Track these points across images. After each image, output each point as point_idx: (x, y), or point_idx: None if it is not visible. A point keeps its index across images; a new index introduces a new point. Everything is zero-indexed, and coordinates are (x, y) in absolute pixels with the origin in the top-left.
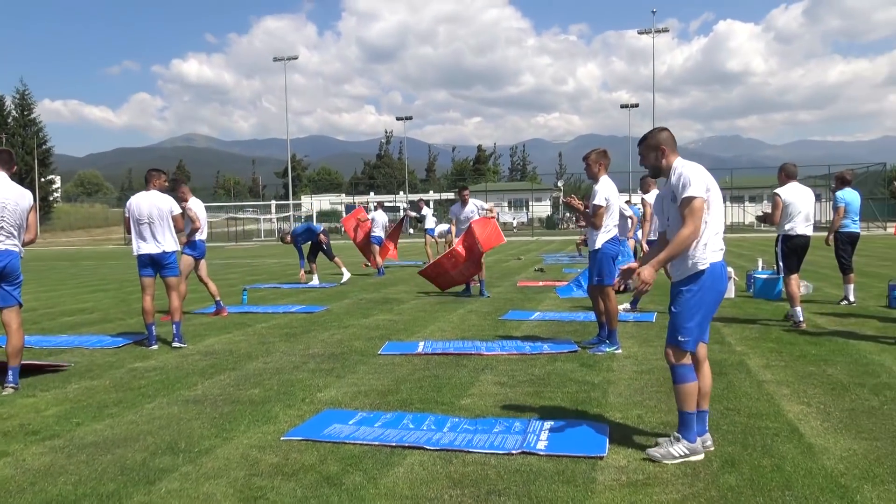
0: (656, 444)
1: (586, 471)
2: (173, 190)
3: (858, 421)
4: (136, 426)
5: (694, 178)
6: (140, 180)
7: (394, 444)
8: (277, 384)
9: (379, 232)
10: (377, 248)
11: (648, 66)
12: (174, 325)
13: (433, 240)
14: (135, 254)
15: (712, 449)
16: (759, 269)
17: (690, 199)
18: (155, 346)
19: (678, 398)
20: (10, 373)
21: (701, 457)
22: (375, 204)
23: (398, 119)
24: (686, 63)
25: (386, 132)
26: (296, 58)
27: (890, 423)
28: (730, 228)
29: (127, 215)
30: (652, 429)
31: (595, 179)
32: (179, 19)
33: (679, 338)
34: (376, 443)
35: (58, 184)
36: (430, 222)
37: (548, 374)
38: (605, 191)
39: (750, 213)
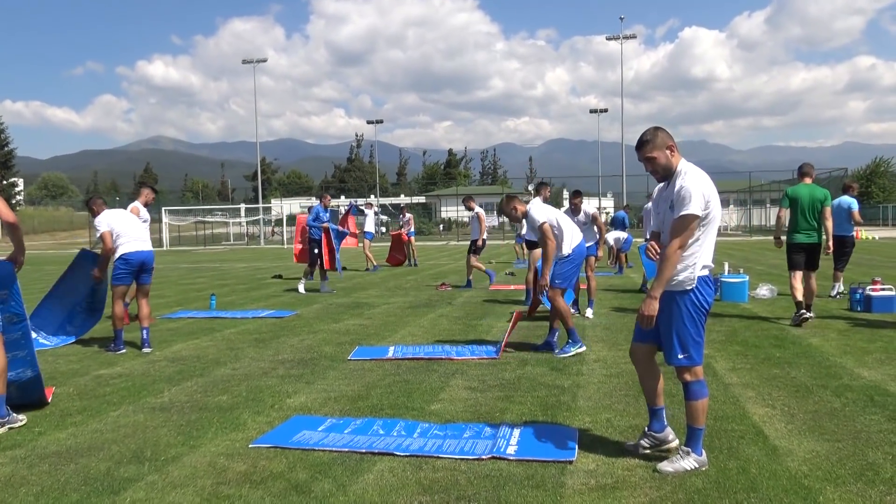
0: (666, 460)
1: (556, 475)
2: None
3: (821, 423)
4: (101, 435)
5: (695, 193)
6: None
7: (363, 450)
8: (246, 390)
9: (371, 228)
10: (368, 242)
11: (616, 71)
12: (143, 331)
13: (368, 244)
14: (132, 258)
15: (677, 442)
16: (726, 273)
17: (687, 216)
18: (123, 351)
19: (690, 414)
20: None
21: (706, 468)
22: (366, 203)
23: (368, 122)
24: (653, 69)
25: (357, 136)
26: (265, 60)
27: (851, 425)
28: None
29: (108, 229)
30: (621, 432)
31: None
32: (144, 20)
33: (678, 356)
34: (346, 449)
35: (20, 186)
36: (369, 225)
37: (518, 379)
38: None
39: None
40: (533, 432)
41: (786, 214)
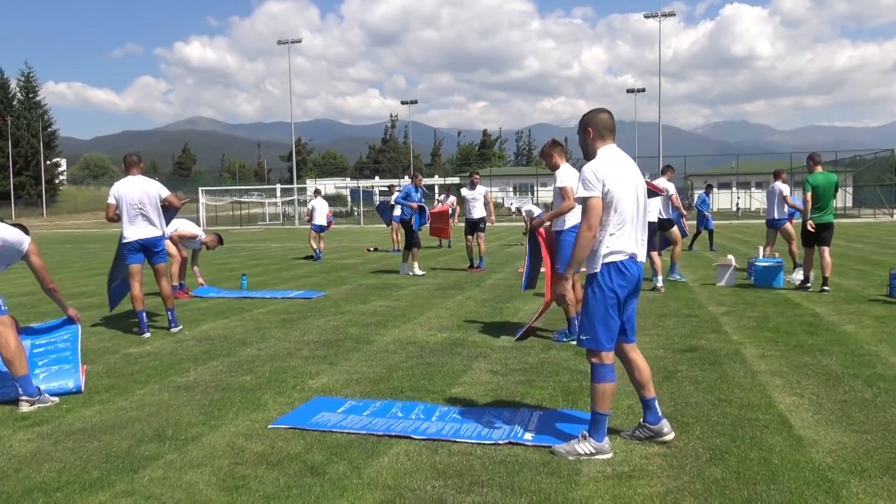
0: (567, 441)
1: (572, 462)
2: None
3: (850, 413)
4: (126, 413)
5: (584, 174)
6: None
7: (381, 433)
8: (270, 371)
9: (396, 212)
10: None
11: (654, 50)
12: (168, 312)
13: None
14: (126, 240)
15: (672, 436)
16: (760, 257)
17: (583, 199)
18: (147, 335)
19: (592, 397)
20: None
21: (608, 456)
22: (388, 186)
23: (403, 103)
24: (692, 47)
25: (391, 116)
26: (300, 41)
27: (881, 416)
28: (734, 215)
29: (113, 201)
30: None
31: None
32: (181, 2)
33: (581, 337)
34: (363, 432)
35: (63, 167)
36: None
37: (541, 363)
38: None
39: (756, 199)
40: (552, 418)
41: (810, 199)
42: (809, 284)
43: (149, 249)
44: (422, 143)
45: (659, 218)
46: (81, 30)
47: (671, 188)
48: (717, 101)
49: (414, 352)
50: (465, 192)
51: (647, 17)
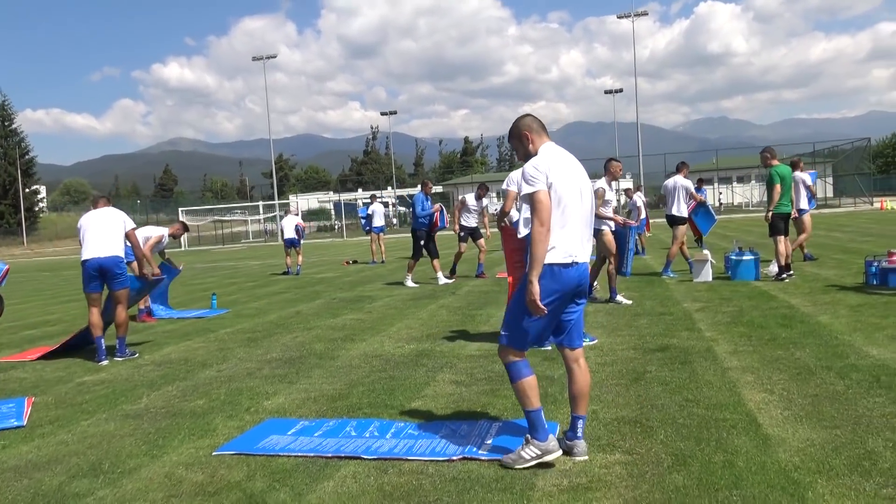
0: (510, 451)
1: (527, 476)
2: None
3: (821, 408)
4: (65, 446)
5: (532, 171)
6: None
7: (329, 454)
8: (225, 393)
9: (380, 222)
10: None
11: (631, 50)
12: (119, 339)
13: (378, 237)
14: (84, 259)
15: (586, 458)
16: (736, 251)
17: (529, 195)
18: (105, 362)
19: (517, 396)
20: None
21: (556, 455)
22: (371, 196)
23: (382, 114)
24: (668, 46)
25: (372, 128)
26: (274, 56)
27: (853, 409)
28: (717, 210)
29: (78, 234)
30: (605, 425)
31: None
32: (157, 23)
33: (501, 332)
34: (312, 454)
35: (43, 193)
36: (378, 219)
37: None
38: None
39: (738, 193)
40: (511, 429)
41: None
42: (792, 273)
43: (107, 273)
44: (404, 154)
45: (670, 214)
46: (57, 55)
47: (690, 185)
48: (696, 99)
49: (378, 366)
50: (469, 200)
51: (620, 17)
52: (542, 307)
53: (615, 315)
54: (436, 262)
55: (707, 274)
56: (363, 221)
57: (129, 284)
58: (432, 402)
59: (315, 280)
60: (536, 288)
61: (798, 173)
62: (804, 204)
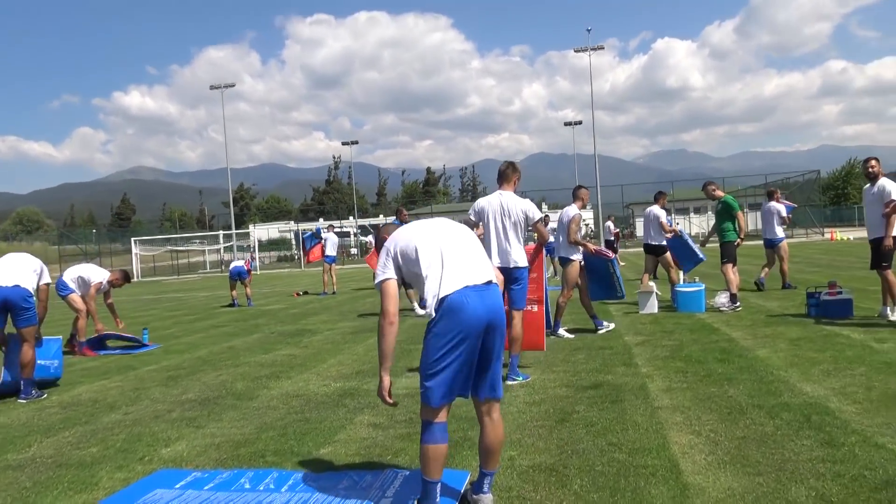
0: None
1: None
2: None
3: (746, 452)
4: None
5: (381, 258)
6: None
7: None
8: (124, 439)
9: (332, 252)
10: (328, 266)
11: (592, 84)
12: (23, 381)
13: (330, 267)
14: None
15: None
16: (682, 283)
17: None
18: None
19: (420, 459)
20: None
21: None
22: (328, 225)
23: (344, 144)
24: (628, 80)
25: (334, 158)
26: (232, 85)
27: (779, 453)
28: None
29: None
30: (520, 474)
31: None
32: (118, 52)
33: (421, 387)
34: None
35: None
36: (330, 248)
37: None
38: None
39: (694, 223)
40: (417, 480)
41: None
42: (739, 305)
43: (12, 307)
44: (368, 183)
45: (647, 243)
46: (15, 82)
47: (662, 215)
48: (656, 132)
49: (296, 407)
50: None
51: (577, 51)
52: (390, 401)
53: (554, 349)
54: (411, 291)
55: (653, 306)
56: (306, 245)
57: (35, 321)
58: (343, 447)
59: (260, 313)
60: (387, 382)
61: (774, 203)
62: (780, 233)
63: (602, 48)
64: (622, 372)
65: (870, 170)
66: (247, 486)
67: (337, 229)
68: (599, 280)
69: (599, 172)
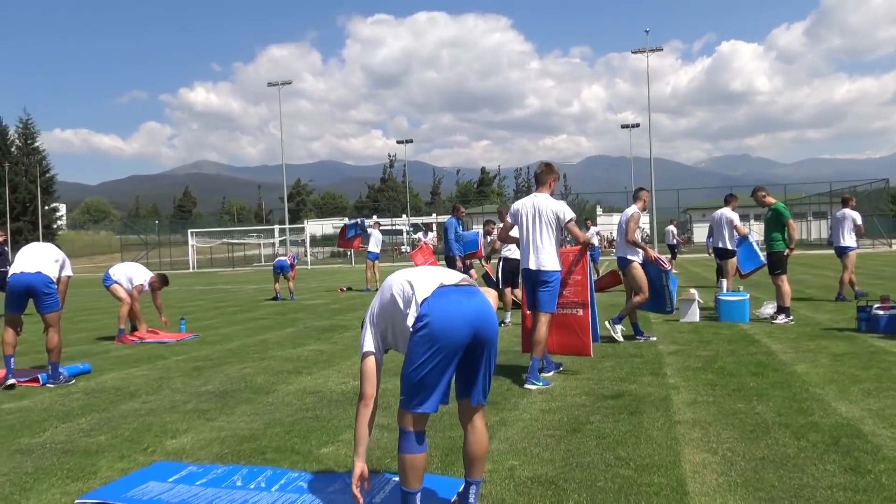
0: None
1: None
2: None
3: (763, 474)
4: None
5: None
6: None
7: None
8: (134, 429)
9: (375, 248)
10: (370, 262)
11: (652, 86)
12: (50, 366)
13: (373, 264)
14: (13, 282)
15: None
16: (724, 291)
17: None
18: (11, 381)
19: (398, 469)
20: None
21: None
22: (374, 222)
23: (398, 142)
24: (690, 84)
25: (389, 156)
26: (289, 82)
27: (797, 478)
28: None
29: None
30: (518, 485)
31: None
32: (185, 49)
33: (401, 392)
34: None
35: (62, 211)
36: (374, 245)
37: (440, 415)
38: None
39: (755, 231)
40: None
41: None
42: (792, 319)
43: (35, 293)
44: (423, 182)
45: (718, 247)
46: (87, 77)
47: (736, 217)
48: (719, 136)
49: (310, 403)
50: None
51: (635, 52)
52: (358, 496)
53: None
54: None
55: (694, 314)
56: (347, 232)
57: (58, 306)
58: (345, 447)
59: (301, 307)
60: (358, 469)
61: (848, 210)
62: (851, 241)
63: (661, 49)
64: (648, 382)
65: None
66: (238, 483)
67: (389, 226)
68: (650, 291)
69: (658, 176)
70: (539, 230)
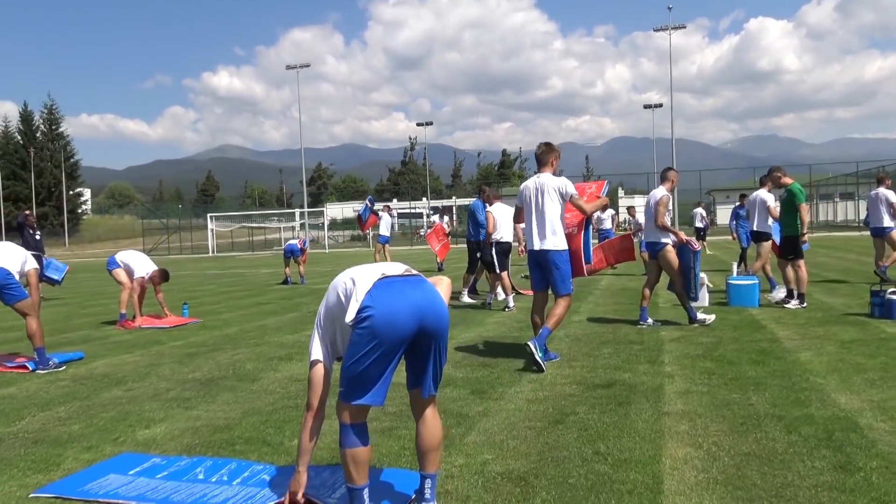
0: None
1: None
2: None
3: (745, 471)
4: None
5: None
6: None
7: None
8: (110, 418)
9: (385, 232)
10: (380, 246)
11: (678, 65)
12: (36, 351)
13: (382, 248)
14: None
15: None
16: (734, 275)
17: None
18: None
19: (342, 465)
20: None
21: None
22: (384, 206)
23: (418, 125)
24: (717, 63)
25: (410, 139)
26: (307, 65)
27: (781, 476)
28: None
29: None
30: (486, 481)
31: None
32: (207, 33)
33: (340, 384)
34: (132, 502)
35: (86, 196)
36: (384, 229)
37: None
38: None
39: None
40: (373, 478)
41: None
42: (805, 304)
43: None
44: (444, 165)
45: (753, 230)
46: (111, 63)
47: (770, 199)
48: (745, 116)
49: (293, 391)
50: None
51: (656, 30)
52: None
53: (581, 341)
54: (469, 276)
55: (703, 298)
56: (361, 217)
57: (24, 295)
58: (319, 438)
59: (309, 291)
60: (302, 480)
61: (883, 190)
62: (889, 221)
63: (684, 27)
64: (643, 370)
65: None
66: (200, 476)
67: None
68: (680, 273)
69: (683, 158)
70: (544, 210)
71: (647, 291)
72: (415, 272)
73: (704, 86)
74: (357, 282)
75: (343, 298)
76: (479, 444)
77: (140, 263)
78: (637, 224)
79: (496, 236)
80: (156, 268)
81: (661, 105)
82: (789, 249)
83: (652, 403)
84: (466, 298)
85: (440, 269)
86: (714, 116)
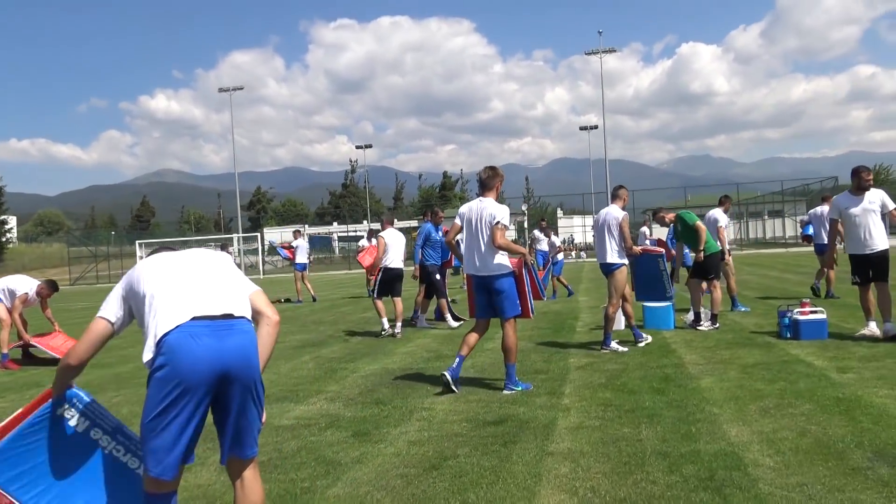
0: None
1: None
2: None
3: None
4: None
5: None
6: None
7: None
8: None
9: (302, 259)
10: (299, 274)
11: (615, 88)
12: None
13: (301, 275)
14: None
15: None
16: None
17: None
18: None
19: None
20: None
21: None
22: (294, 231)
23: (358, 147)
24: (652, 86)
25: (351, 161)
26: (241, 88)
27: None
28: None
29: None
30: None
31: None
32: (145, 56)
33: (142, 450)
34: None
35: (11, 224)
36: (301, 256)
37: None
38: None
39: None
40: None
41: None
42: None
43: None
44: (387, 187)
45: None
46: (44, 85)
47: (722, 220)
48: (680, 137)
49: None
50: (536, 233)
51: (588, 54)
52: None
53: (487, 371)
54: (443, 301)
55: (620, 322)
56: (283, 255)
57: None
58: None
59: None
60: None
61: (827, 208)
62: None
63: (615, 51)
64: (540, 403)
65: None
66: None
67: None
68: (648, 281)
69: (622, 178)
70: (483, 234)
71: (627, 309)
72: (237, 314)
73: (641, 108)
74: (159, 314)
75: (144, 305)
76: (341, 498)
77: (20, 282)
78: (551, 244)
79: (385, 262)
80: (38, 282)
81: (596, 127)
82: (709, 270)
83: (539, 442)
84: (453, 323)
85: (371, 294)
86: (651, 137)
